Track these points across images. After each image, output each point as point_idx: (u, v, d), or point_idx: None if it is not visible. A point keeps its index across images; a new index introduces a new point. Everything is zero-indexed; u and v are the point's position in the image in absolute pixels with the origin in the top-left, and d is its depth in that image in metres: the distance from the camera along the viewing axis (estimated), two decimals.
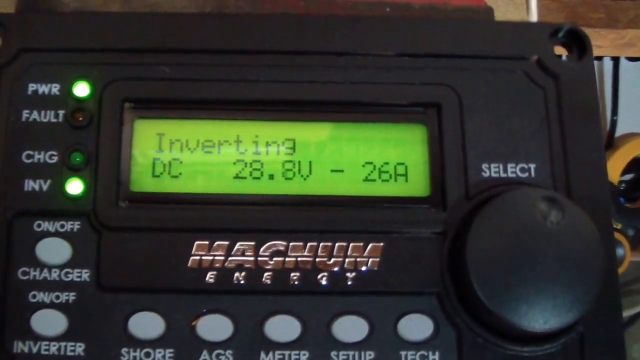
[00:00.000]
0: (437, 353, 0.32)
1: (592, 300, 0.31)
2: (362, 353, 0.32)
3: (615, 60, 0.70)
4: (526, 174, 0.34)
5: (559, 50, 0.36)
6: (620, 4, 0.61)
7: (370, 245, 0.32)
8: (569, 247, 0.31)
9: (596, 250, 0.31)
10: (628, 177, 0.72)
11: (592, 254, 0.31)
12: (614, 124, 0.69)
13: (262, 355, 0.32)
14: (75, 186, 0.32)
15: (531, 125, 0.34)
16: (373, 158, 0.34)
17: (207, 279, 0.32)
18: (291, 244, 0.32)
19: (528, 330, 0.31)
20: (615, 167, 0.68)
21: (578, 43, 0.35)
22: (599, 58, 0.70)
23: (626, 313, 0.68)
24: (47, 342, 0.31)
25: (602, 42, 0.63)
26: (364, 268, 0.32)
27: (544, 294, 0.30)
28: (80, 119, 0.33)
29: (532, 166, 0.34)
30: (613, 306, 0.33)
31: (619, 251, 0.66)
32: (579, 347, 0.32)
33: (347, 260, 0.32)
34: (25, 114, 0.33)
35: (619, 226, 0.68)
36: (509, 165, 0.34)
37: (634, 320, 0.66)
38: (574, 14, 0.61)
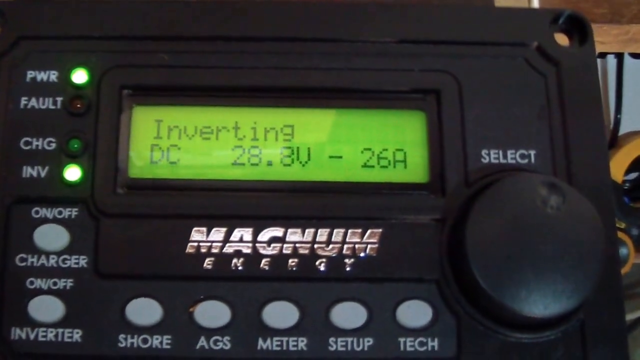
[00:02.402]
0: (436, 340, 0.32)
1: (592, 286, 0.31)
2: (361, 339, 0.32)
3: (619, 57, 0.70)
4: (526, 160, 0.34)
5: (562, 40, 0.36)
6: None
7: (368, 232, 0.33)
8: (570, 233, 0.31)
9: (597, 235, 0.31)
10: (632, 175, 0.72)
11: (593, 239, 0.31)
12: (617, 122, 0.69)
13: (260, 341, 0.32)
14: (73, 173, 0.33)
15: (532, 112, 0.34)
16: (372, 144, 0.34)
17: (204, 265, 0.32)
18: (289, 230, 0.33)
19: (528, 316, 0.31)
20: (619, 166, 0.68)
21: (579, 29, 0.35)
22: (603, 55, 0.70)
23: (630, 317, 0.68)
24: (44, 329, 0.31)
25: (605, 38, 0.63)
26: (362, 254, 0.32)
27: (544, 279, 0.30)
28: (79, 105, 0.33)
29: (532, 152, 0.34)
30: (614, 293, 0.33)
31: (623, 250, 0.66)
32: (580, 334, 0.32)
33: (345, 246, 0.32)
34: (23, 101, 0.33)
35: (622, 225, 0.67)
36: (509, 152, 0.34)
37: (637, 324, 0.66)
38: (577, 9, 0.61)
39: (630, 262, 0.66)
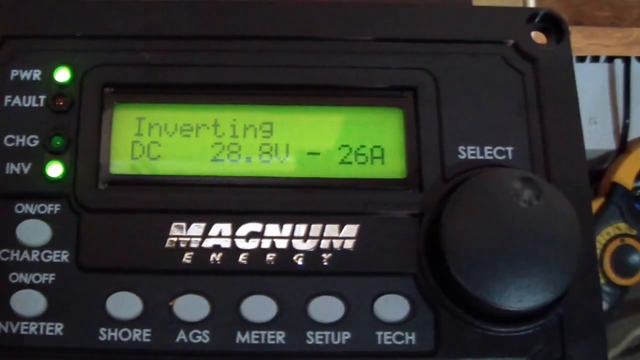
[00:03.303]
0: (413, 334, 0.33)
1: (568, 280, 0.31)
2: (338, 333, 0.33)
3: (627, 62, 0.70)
4: (503, 157, 0.35)
5: (541, 39, 0.37)
6: (625, 2, 0.62)
7: (346, 226, 0.34)
8: (544, 227, 0.32)
9: (573, 230, 0.32)
10: None
11: (568, 234, 0.32)
12: (626, 127, 0.70)
13: (239, 335, 0.33)
14: (55, 169, 0.34)
15: (509, 109, 0.35)
16: (349, 141, 0.35)
17: (184, 259, 0.33)
18: (267, 225, 0.34)
19: (503, 309, 0.31)
20: (628, 172, 0.68)
21: (555, 27, 0.37)
22: (610, 60, 0.71)
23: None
24: (26, 322, 0.33)
25: (608, 41, 0.64)
26: (340, 249, 0.33)
27: (519, 272, 0.31)
28: (61, 103, 0.35)
29: (510, 149, 0.35)
30: (592, 289, 0.34)
31: (634, 257, 0.66)
32: (559, 329, 0.33)
33: (323, 241, 0.34)
34: (7, 99, 0.35)
35: (633, 232, 0.68)
36: (486, 148, 0.35)
37: None
38: (578, 12, 0.62)
39: None
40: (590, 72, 0.70)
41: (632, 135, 0.69)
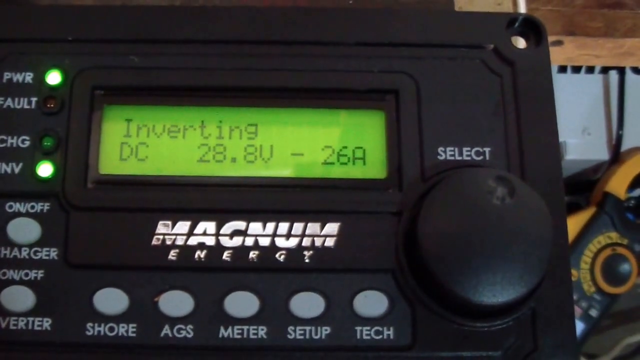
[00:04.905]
0: (391, 329, 0.35)
1: (539, 275, 0.33)
2: (319, 328, 0.35)
3: (621, 73, 0.72)
4: (481, 157, 0.37)
5: (521, 43, 0.39)
6: (618, 12, 0.64)
7: (327, 225, 0.36)
8: (516, 224, 0.33)
9: (545, 227, 0.34)
10: (638, 192, 0.74)
11: (540, 230, 0.34)
12: (619, 138, 0.72)
13: (222, 330, 0.35)
14: (45, 169, 0.36)
15: (487, 111, 0.37)
16: (332, 142, 0.37)
17: (169, 256, 0.35)
18: (251, 223, 0.36)
19: (478, 304, 0.33)
20: (621, 182, 0.70)
21: (534, 31, 0.39)
22: (605, 71, 0.73)
23: (633, 339, 0.69)
24: (15, 318, 0.34)
25: (600, 52, 0.66)
26: (321, 246, 0.35)
27: (492, 268, 0.33)
28: (52, 105, 0.37)
29: (487, 150, 0.37)
30: (563, 282, 0.35)
31: (625, 266, 0.68)
32: (531, 322, 0.35)
33: (304, 238, 0.35)
34: None
35: (625, 242, 0.69)
36: (464, 149, 0.37)
37: None
38: (571, 23, 0.64)
39: (632, 279, 0.68)
40: (584, 83, 0.72)
41: (625, 146, 0.71)
